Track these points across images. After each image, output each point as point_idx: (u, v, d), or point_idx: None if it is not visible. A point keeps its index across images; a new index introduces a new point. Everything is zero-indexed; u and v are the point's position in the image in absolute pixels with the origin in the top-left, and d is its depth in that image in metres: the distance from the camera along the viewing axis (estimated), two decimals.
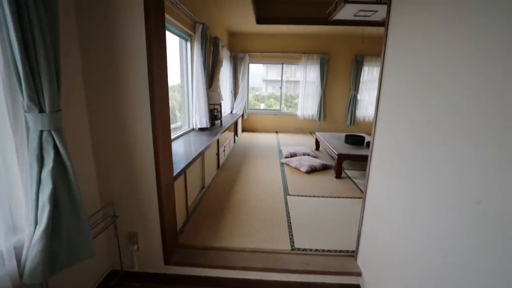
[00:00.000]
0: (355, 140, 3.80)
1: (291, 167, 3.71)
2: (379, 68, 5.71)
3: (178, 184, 2.06)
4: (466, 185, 0.84)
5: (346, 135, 3.97)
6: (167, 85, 1.53)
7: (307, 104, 6.39)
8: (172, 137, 2.64)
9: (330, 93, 6.25)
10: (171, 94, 3.13)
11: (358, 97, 6.20)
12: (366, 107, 6.45)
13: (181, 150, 2.37)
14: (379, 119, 1.51)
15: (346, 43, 5.96)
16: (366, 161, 1.67)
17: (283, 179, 3.23)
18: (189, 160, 2.03)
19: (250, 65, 6.34)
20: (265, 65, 9.25)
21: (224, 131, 3.60)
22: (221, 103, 3.94)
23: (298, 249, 1.85)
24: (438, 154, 0.97)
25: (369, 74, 6.22)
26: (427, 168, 1.04)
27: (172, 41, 2.96)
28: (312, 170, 3.54)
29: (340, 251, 1.85)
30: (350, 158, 3.31)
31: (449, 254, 0.90)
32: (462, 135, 0.87)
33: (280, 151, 4.57)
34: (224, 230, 2.06)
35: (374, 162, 1.55)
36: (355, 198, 2.75)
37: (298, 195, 2.77)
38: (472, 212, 0.81)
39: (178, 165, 1.87)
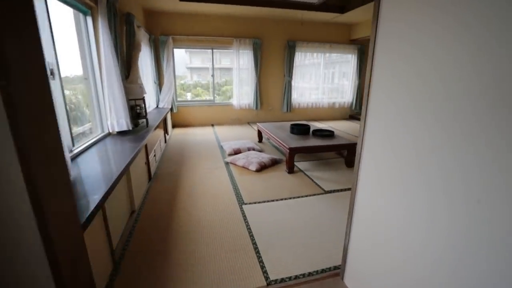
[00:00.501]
0: (301, 130, 3.62)
1: (239, 166, 3.29)
2: (311, 54, 5.66)
3: (94, 228, 1.38)
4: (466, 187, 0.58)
5: (292, 125, 3.76)
6: (46, 75, 0.85)
7: (242, 92, 6.01)
8: (76, 150, 1.85)
9: (266, 80, 6.01)
10: (74, 87, 2.24)
11: (293, 83, 6.15)
12: (301, 93, 6.49)
13: (94, 170, 1.64)
14: (369, 115, 1.20)
15: (278, 28, 5.73)
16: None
17: (233, 184, 2.79)
18: (109, 186, 1.38)
19: (175, 50, 5.49)
20: (188, 51, 8.38)
21: (153, 131, 2.88)
22: (144, 97, 3.16)
23: (275, 281, 1.47)
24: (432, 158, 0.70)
25: (301, 60, 6.22)
26: (420, 171, 0.81)
27: (62, 13, 2.05)
28: (262, 168, 3.20)
29: (323, 270, 1.55)
30: (302, 151, 3.10)
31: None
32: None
33: (222, 147, 4.08)
34: (169, 273, 1.50)
35: (364, 164, 1.26)
36: (317, 195, 2.54)
37: (255, 202, 2.38)
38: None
39: (91, 199, 1.22)
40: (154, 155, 3.22)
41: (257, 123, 4.41)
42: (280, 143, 3.25)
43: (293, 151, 3.03)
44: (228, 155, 3.70)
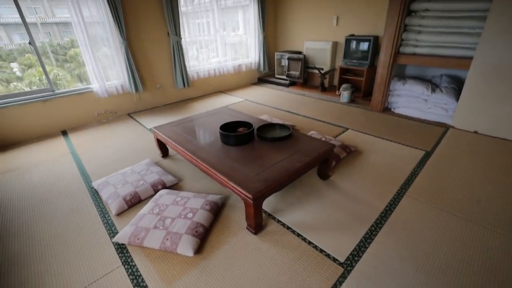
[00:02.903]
0: (241, 138, 2.10)
1: (153, 250, 1.58)
2: None
3: None
4: None
5: (222, 129, 2.16)
6: None
7: (105, 67, 3.62)
8: None
9: (141, 45, 3.78)
10: None
11: (184, 44, 4.18)
12: (197, 56, 4.62)
13: None
14: None
15: None
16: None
17: None
18: None
19: None
20: None
21: None
22: None
23: None
24: None
25: (189, 4, 4.22)
26: None
27: None
28: (203, 235, 1.63)
29: None
30: (274, 190, 1.70)
31: None
32: None
33: (96, 195, 2.10)
34: None
35: None
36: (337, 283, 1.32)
37: None
38: None
39: None
40: None
41: (154, 129, 2.52)
42: (223, 180, 1.70)
43: (261, 199, 1.59)
44: (117, 215, 1.85)
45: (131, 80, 3.72)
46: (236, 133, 2.17)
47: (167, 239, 1.56)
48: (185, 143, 2.15)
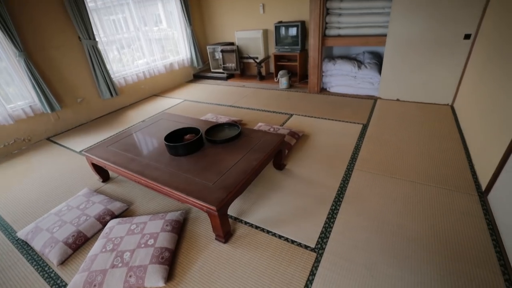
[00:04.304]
0: (189, 146, 1.96)
1: None
2: None
3: None
4: None
5: (167, 141, 1.99)
6: None
7: (2, 91, 2.96)
8: None
9: (46, 55, 3.18)
10: None
11: (101, 46, 3.68)
12: (120, 58, 4.13)
13: None
14: None
15: None
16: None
17: None
18: None
19: None
20: None
21: None
22: None
23: None
24: None
25: (97, 1, 3.70)
26: None
27: None
28: (170, 263, 1.50)
29: None
30: (236, 195, 1.64)
31: None
32: None
33: (26, 247, 1.74)
34: None
35: None
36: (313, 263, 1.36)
37: None
38: None
39: None
40: None
41: (86, 154, 2.17)
42: (180, 197, 1.57)
43: (225, 208, 1.52)
44: (60, 264, 1.57)
45: (42, 99, 3.13)
46: (184, 141, 2.02)
47: (130, 276, 1.39)
48: (127, 163, 1.91)
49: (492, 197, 1.70)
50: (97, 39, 3.56)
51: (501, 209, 1.56)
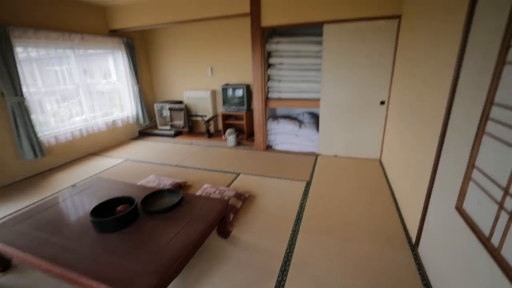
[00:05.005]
0: (120, 220, 1.72)
1: None
2: (54, 50, 3.25)
3: None
4: None
5: (94, 215, 1.73)
6: None
7: None
8: None
9: None
10: None
11: (28, 104, 3.34)
12: (49, 110, 3.74)
13: None
14: None
15: None
16: None
17: None
18: None
19: None
20: None
21: None
22: None
23: None
24: None
25: (31, 55, 3.47)
26: None
27: None
28: None
29: None
30: None
31: None
32: None
33: None
34: None
35: None
36: None
37: None
38: None
39: None
40: None
41: None
42: None
43: None
44: None
45: None
46: (115, 214, 1.79)
47: None
48: (38, 247, 1.58)
49: (422, 250, 1.81)
50: (25, 96, 3.24)
51: (430, 261, 1.65)
